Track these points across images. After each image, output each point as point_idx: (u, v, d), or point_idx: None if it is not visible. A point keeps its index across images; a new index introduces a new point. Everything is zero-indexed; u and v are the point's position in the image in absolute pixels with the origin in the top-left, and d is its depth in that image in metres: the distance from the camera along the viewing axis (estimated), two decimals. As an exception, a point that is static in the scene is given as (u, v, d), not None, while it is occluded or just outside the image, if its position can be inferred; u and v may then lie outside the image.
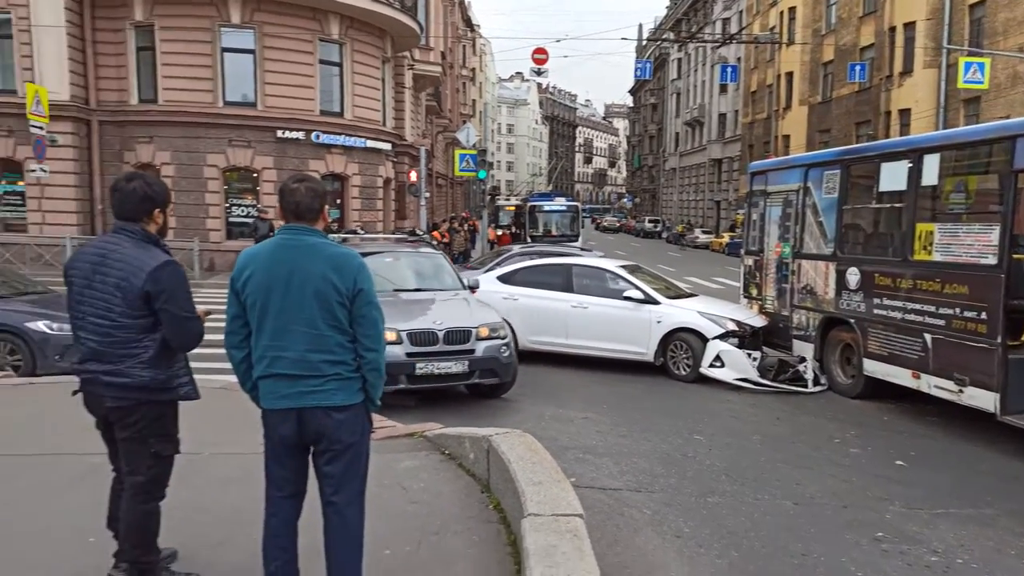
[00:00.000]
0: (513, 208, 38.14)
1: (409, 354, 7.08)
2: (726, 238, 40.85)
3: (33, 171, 18.34)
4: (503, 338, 7.59)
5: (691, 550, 4.31)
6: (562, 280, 10.03)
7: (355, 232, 16.18)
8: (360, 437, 2.90)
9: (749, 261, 11.11)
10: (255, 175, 20.92)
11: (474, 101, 62.33)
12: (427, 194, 24.59)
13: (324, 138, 21.18)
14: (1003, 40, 24.80)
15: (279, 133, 20.60)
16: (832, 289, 8.87)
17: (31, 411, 6.03)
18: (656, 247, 46.05)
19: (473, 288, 8.98)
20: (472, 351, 7.32)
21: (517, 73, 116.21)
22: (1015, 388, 6.43)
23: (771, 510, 5.01)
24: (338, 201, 22.44)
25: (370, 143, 22.57)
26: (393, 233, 18.37)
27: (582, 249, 15.07)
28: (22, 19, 19.22)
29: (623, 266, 10.40)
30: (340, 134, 21.58)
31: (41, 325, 7.93)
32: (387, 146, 23.91)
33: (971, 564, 4.28)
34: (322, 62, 21.30)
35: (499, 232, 30.47)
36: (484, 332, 7.43)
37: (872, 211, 8.83)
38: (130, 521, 3.05)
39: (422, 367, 7.10)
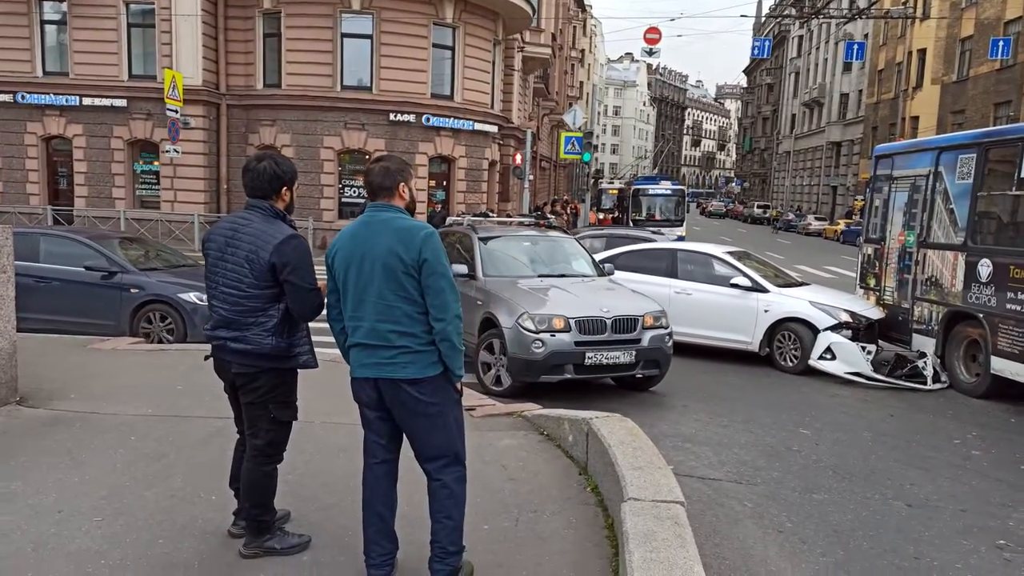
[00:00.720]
0: (616, 191, 37.66)
1: (578, 343, 6.77)
2: (841, 225, 38.84)
3: (168, 151, 19.72)
4: (665, 327, 7.23)
5: (793, 545, 4.19)
6: (666, 265, 9.85)
7: (486, 215, 16.36)
8: (440, 407, 2.96)
9: (868, 250, 10.54)
10: (367, 157, 21.60)
11: (582, 83, 61.73)
12: (531, 177, 24.67)
13: (434, 121, 21.62)
14: None
15: (391, 116, 21.19)
16: (960, 281, 8.29)
17: (170, 375, 6.54)
18: (764, 233, 44.37)
19: (609, 275, 8.61)
20: (639, 340, 6.99)
21: (627, 54, 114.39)
22: None
23: (881, 510, 4.78)
24: (444, 183, 22.90)
25: (478, 126, 22.84)
26: (509, 217, 18.44)
27: (654, 233, 14.44)
28: (164, 8, 20.59)
29: (730, 252, 10.08)
30: (449, 117, 21.96)
31: (192, 296, 8.42)
32: (494, 128, 24.13)
33: (1110, 584, 3.95)
34: (435, 46, 21.70)
35: (600, 215, 30.12)
36: (649, 321, 7.10)
37: (1011, 199, 8.16)
38: (250, 481, 3.26)
39: (591, 357, 6.77)
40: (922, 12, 36.24)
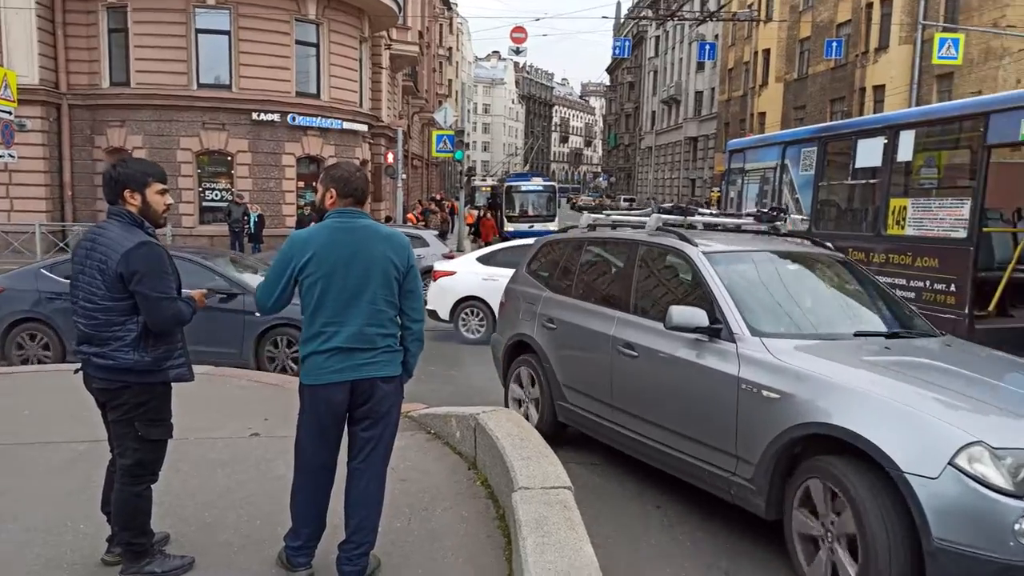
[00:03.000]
0: (489, 189, 38.05)
1: None
2: (703, 216, 41.05)
3: (0, 156, 18.01)
4: None
5: (670, 519, 4.43)
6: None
7: (632, 203, 15.42)
8: (397, 406, 3.21)
9: (727, 238, 11.23)
10: (229, 158, 20.69)
11: (450, 81, 61.86)
12: (403, 176, 24.47)
13: (300, 120, 20.98)
14: (977, 16, 25.07)
15: (254, 115, 20.37)
16: (808, 265, 9.01)
17: (16, 400, 6.01)
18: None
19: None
20: None
21: (494, 52, 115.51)
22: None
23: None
24: (314, 184, 22.25)
25: (347, 125, 22.38)
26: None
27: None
28: (-12, 1, 18.76)
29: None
30: (316, 116, 21.38)
31: None
32: (363, 127, 23.74)
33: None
34: (299, 43, 21.04)
35: (476, 212, 29.93)
36: None
37: (847, 187, 8.97)
38: (120, 503, 3.08)
39: None
40: (765, 15, 38.89)
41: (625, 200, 63.40)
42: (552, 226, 27.02)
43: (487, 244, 14.26)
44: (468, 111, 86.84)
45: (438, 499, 4.03)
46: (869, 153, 8.15)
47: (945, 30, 22.76)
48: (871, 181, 8.25)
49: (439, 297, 10.39)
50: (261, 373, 6.86)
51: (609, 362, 4.84)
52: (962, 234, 6.80)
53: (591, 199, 74.26)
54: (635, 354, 4.61)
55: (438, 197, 36.33)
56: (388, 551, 3.37)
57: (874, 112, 27.89)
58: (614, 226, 5.75)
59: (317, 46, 21.59)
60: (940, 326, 6.90)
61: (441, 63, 55.34)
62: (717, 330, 4.08)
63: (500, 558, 3.38)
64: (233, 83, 20.28)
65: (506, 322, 6.30)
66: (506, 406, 5.75)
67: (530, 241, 11.98)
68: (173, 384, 3.18)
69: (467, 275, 10.36)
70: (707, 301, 4.24)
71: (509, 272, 9.79)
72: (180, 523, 3.64)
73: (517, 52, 30.56)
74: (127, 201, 3.06)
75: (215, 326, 7.55)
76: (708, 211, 6.14)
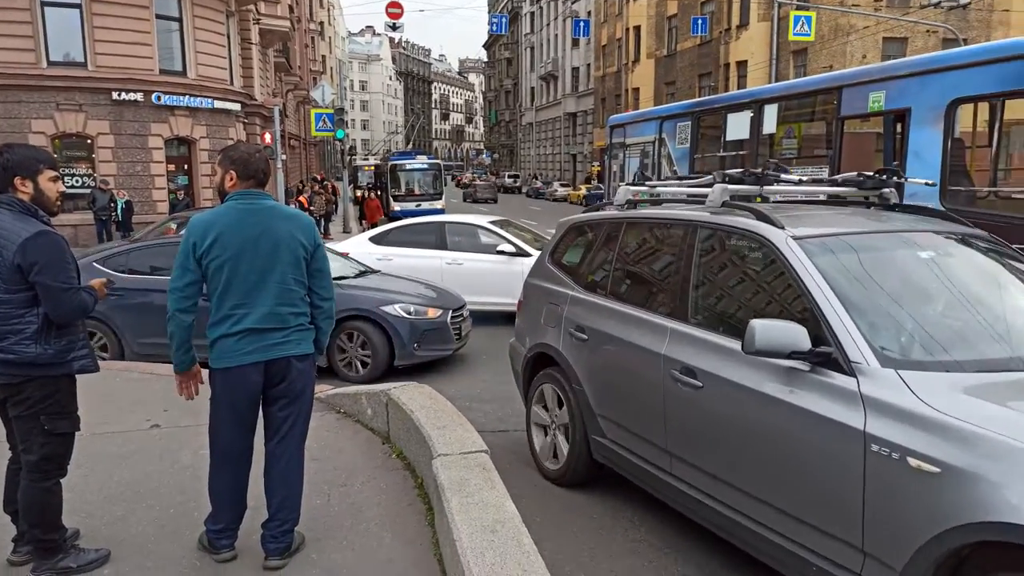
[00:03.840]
0: (372, 168, 37.43)
1: None
2: (583, 190, 42.20)
3: None
4: None
5: (579, 477, 4.70)
6: (436, 238, 10.16)
7: (516, 179, 14.82)
8: (311, 385, 3.26)
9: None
10: (89, 141, 19.30)
11: (324, 57, 59.98)
12: (283, 156, 23.67)
13: (166, 99, 19.82)
14: (824, -4, 26.92)
15: (115, 95, 19.06)
16: (687, 233, 9.57)
17: None
18: (518, 201, 46.85)
19: None
20: None
21: (368, 27, 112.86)
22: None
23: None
24: (186, 167, 21.21)
25: (218, 104, 21.36)
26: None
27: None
28: None
29: (493, 221, 10.65)
30: (184, 95, 20.27)
31: (398, 309, 7.18)
32: (236, 107, 22.73)
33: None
34: (159, 16, 19.79)
35: (367, 194, 28.96)
36: None
37: (720, 159, 9.57)
38: (28, 500, 2.98)
39: None
40: (635, -8, 40.16)
41: (510, 177, 64.01)
42: (439, 204, 27.03)
43: (373, 226, 14.05)
44: (345, 88, 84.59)
45: (355, 474, 4.10)
46: (738, 126, 8.74)
47: (799, 8, 24.32)
48: (740, 152, 8.85)
49: (331, 278, 10.29)
50: (154, 364, 6.57)
51: (660, 392, 3.50)
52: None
53: (476, 176, 74.50)
54: (698, 384, 3.26)
55: (319, 178, 35.35)
56: (311, 527, 3.43)
57: (739, 86, 29.51)
58: (660, 200, 4.35)
59: (180, 20, 20.39)
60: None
61: (313, 38, 53.53)
62: (824, 356, 2.73)
63: (423, 524, 3.51)
64: (88, 60, 18.86)
65: (525, 326, 4.98)
66: (527, 431, 4.87)
67: (418, 220, 12.14)
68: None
69: (360, 255, 10.28)
70: (806, 311, 2.90)
71: (403, 252, 9.90)
72: (88, 519, 3.54)
73: (394, 28, 30.07)
74: (18, 189, 2.92)
75: None
76: (794, 176, 4.51)
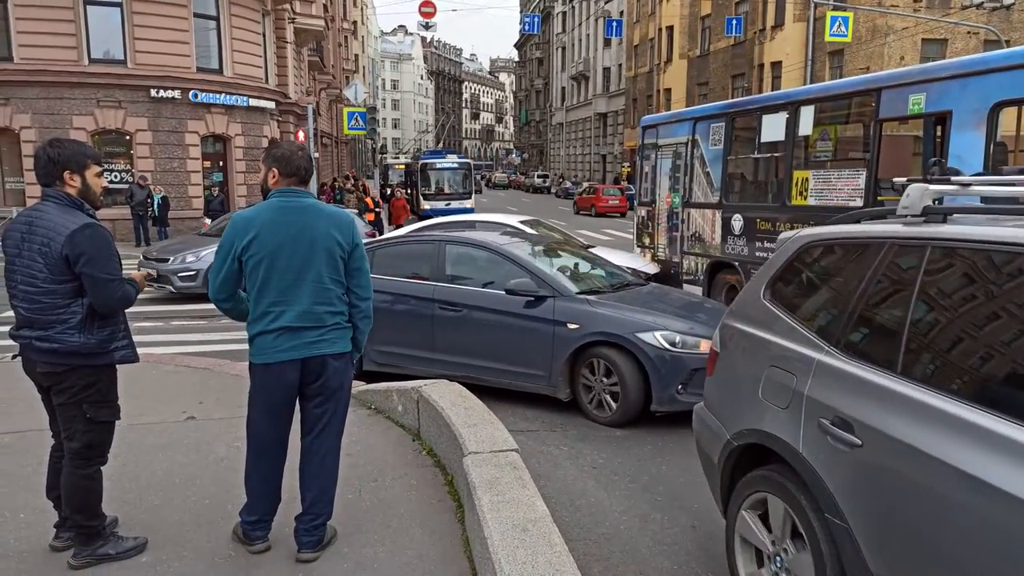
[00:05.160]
0: (403, 167, 37.66)
1: None
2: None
3: None
4: None
5: (607, 477, 4.69)
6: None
7: (545, 179, 14.37)
8: (348, 382, 3.29)
9: (642, 212, 11.65)
10: (128, 138, 19.71)
11: (357, 56, 60.42)
12: (315, 154, 23.94)
13: (203, 97, 20.17)
14: (862, -4, 26.50)
15: (153, 92, 19.45)
16: (718, 235, 9.50)
17: None
18: (546, 202, 46.77)
19: None
20: None
21: (400, 26, 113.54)
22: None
23: (675, 439, 5.45)
24: (221, 163, 21.53)
25: (253, 102, 21.67)
26: None
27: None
28: None
29: (522, 221, 10.65)
30: (220, 92, 20.60)
31: (658, 337, 5.54)
32: (271, 104, 23.03)
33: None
34: (197, 15, 20.13)
35: (398, 194, 27.61)
36: None
37: (754, 161, 9.46)
38: (71, 486, 3.05)
39: None
40: (668, -7, 39.90)
41: (539, 177, 63.96)
42: (469, 204, 27.11)
43: (398, 227, 14.00)
44: (377, 87, 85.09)
45: (386, 470, 4.14)
46: (773, 128, 8.62)
47: (836, 8, 23.97)
48: (775, 154, 8.74)
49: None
50: (190, 357, 6.69)
51: None
52: (859, 203, 7.33)
53: (505, 176, 74.56)
54: None
55: (351, 175, 35.67)
56: (342, 521, 3.46)
57: (773, 87, 29.17)
58: (983, 210, 2.62)
59: (217, 19, 20.73)
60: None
61: (347, 37, 53.95)
62: None
63: (453, 520, 3.53)
64: (128, 58, 19.26)
65: (725, 395, 3.32)
66: (728, 552, 3.10)
67: (449, 219, 12.12)
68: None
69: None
70: None
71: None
72: (126, 507, 3.61)
73: (427, 27, 30.25)
74: (66, 183, 3.00)
75: (516, 340, 5.94)
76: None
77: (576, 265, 6.91)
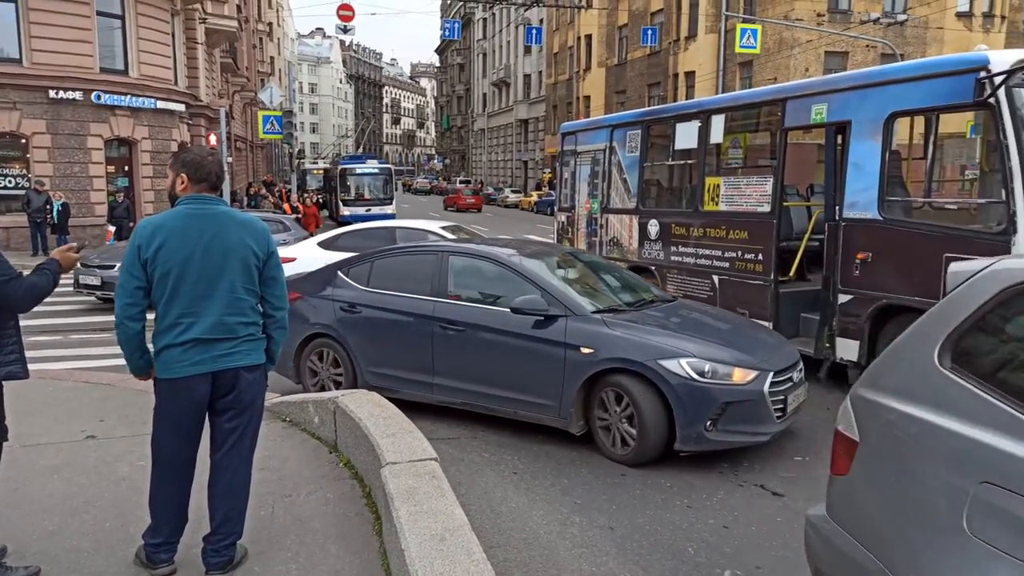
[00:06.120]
0: (322, 172, 36.98)
1: None
2: (534, 196, 42.36)
3: None
4: None
5: (527, 483, 4.71)
6: (387, 243, 10.07)
7: (468, 184, 14.08)
8: (262, 396, 3.17)
9: (562, 217, 11.77)
10: (24, 141, 18.60)
11: (272, 58, 59.01)
12: (228, 159, 23.19)
13: (107, 99, 19.23)
14: (771, 8, 27.65)
15: (52, 93, 18.41)
16: (635, 240, 9.69)
17: None
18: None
19: None
20: None
21: (318, 29, 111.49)
22: (785, 317, 7.50)
23: (592, 442, 5.51)
24: (127, 168, 20.59)
25: (161, 104, 20.81)
26: None
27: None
28: None
29: (443, 227, 10.62)
30: (125, 94, 19.69)
31: (683, 365, 4.77)
32: (180, 107, 22.18)
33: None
34: (100, 13, 19.18)
35: (303, 201, 24.40)
36: None
37: (668, 168, 9.71)
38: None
39: None
40: (586, 1, 40.57)
41: (461, 182, 63.96)
42: (390, 209, 26.82)
43: (311, 235, 13.50)
44: (294, 91, 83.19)
45: (301, 484, 4.02)
46: (686, 136, 8.86)
47: (745, 21, 24.91)
48: (689, 162, 8.99)
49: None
50: (90, 372, 6.33)
51: None
52: (767, 208, 7.62)
53: (427, 181, 74.22)
54: None
55: (267, 181, 34.74)
56: (254, 539, 3.34)
57: (687, 96, 30.06)
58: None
59: (122, 18, 19.81)
60: (750, 293, 7.75)
61: (261, 39, 52.62)
62: None
63: (370, 534, 3.45)
64: (24, 57, 18.18)
65: (883, 514, 2.26)
66: None
67: (370, 225, 11.96)
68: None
69: (309, 261, 10.12)
70: None
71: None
72: (18, 534, 3.38)
73: (345, 30, 29.72)
74: None
75: (523, 365, 5.31)
76: None
77: (594, 279, 6.23)
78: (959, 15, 27.59)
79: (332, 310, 6.19)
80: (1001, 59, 5.54)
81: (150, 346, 2.98)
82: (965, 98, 5.74)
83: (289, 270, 10.13)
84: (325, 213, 31.22)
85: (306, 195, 29.20)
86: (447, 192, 64.02)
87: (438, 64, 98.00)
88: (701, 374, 4.76)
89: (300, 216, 19.98)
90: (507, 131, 61.64)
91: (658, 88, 34.98)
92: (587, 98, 42.68)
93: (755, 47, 23.25)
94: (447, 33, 34.70)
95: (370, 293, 6.10)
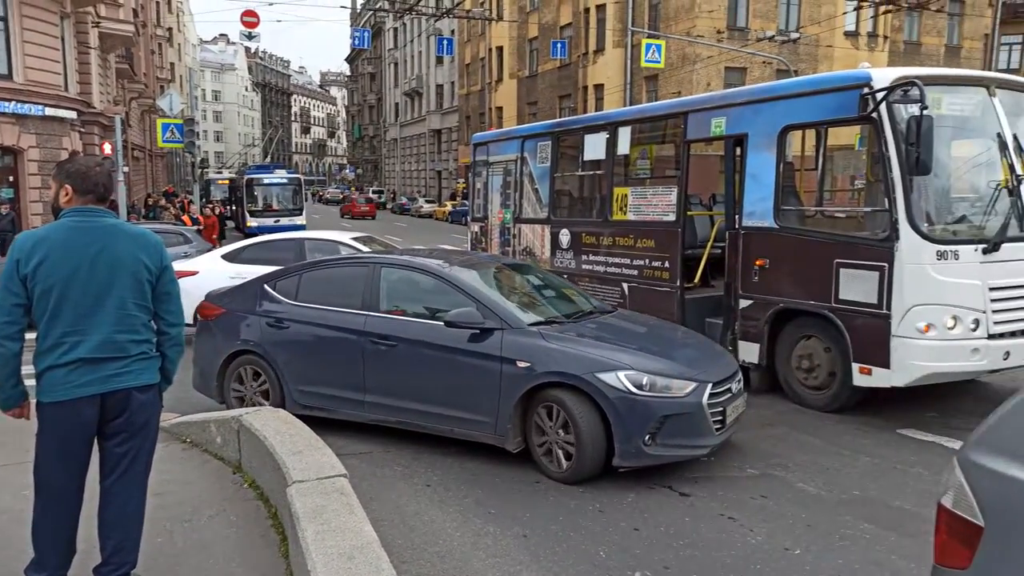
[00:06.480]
0: (227, 182, 35.82)
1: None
2: (449, 207, 42.29)
3: None
4: None
5: (440, 495, 4.66)
6: (295, 255, 9.82)
7: (380, 195, 13.30)
8: (156, 417, 3.04)
9: (475, 227, 11.79)
10: None
11: (173, 65, 56.77)
12: (125, 168, 22.11)
13: (-12, 104, 18.01)
14: (674, 24, 28.64)
15: (-76, 98, 17.11)
16: (548, 250, 9.81)
17: None
18: (382, 217, 46.30)
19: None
20: None
21: (222, 35, 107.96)
22: (690, 322, 7.73)
23: (503, 453, 5.48)
24: (12, 179, 19.31)
25: (49, 111, 19.60)
26: None
27: None
28: None
29: (355, 238, 10.44)
30: (10, 100, 18.45)
31: (621, 378, 4.66)
32: (72, 114, 20.97)
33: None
34: (-21, 14, 17.98)
35: (206, 212, 23.79)
36: None
37: (578, 178, 9.88)
38: None
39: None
40: (497, 14, 40.92)
41: (374, 192, 63.23)
42: (300, 220, 26.22)
43: (213, 248, 12.95)
44: (196, 98, 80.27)
45: (202, 508, 3.85)
46: (595, 147, 9.05)
47: (650, 37, 25.71)
48: (597, 172, 9.17)
49: (180, 300, 9.61)
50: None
51: None
52: (672, 218, 7.86)
53: (338, 191, 72.98)
54: None
55: (169, 191, 33.34)
56: (151, 568, 3.18)
57: (597, 108, 30.73)
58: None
59: (5, 20, 18.62)
60: (657, 299, 7.96)
61: (161, 44, 50.54)
62: None
63: (276, 555, 3.34)
64: None
65: None
66: None
67: (277, 236, 11.60)
68: None
69: (212, 274, 9.75)
70: None
71: (257, 270, 9.43)
72: None
73: (249, 37, 28.94)
74: None
75: (458, 380, 5.15)
76: None
77: (531, 291, 6.12)
78: (847, 34, 29.38)
79: (258, 326, 5.90)
80: (883, 76, 5.91)
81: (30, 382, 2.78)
82: (851, 112, 6.09)
83: (191, 284, 9.79)
84: (231, 224, 30.27)
85: (207, 206, 28.18)
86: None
87: (348, 73, 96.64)
88: (639, 387, 4.66)
89: (202, 228, 19.21)
90: (420, 141, 61.37)
91: (569, 100, 35.61)
92: (500, 109, 43.01)
93: (659, 62, 24.03)
94: (357, 42, 34.23)
95: (298, 307, 5.82)
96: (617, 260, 8.58)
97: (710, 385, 4.82)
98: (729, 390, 5.01)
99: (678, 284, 7.77)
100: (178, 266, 10.04)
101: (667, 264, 7.90)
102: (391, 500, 4.53)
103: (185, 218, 19.55)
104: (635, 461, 4.70)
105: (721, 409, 4.87)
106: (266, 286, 6.11)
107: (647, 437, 4.62)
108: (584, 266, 9.11)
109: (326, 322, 5.65)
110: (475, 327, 5.03)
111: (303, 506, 3.05)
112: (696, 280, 7.99)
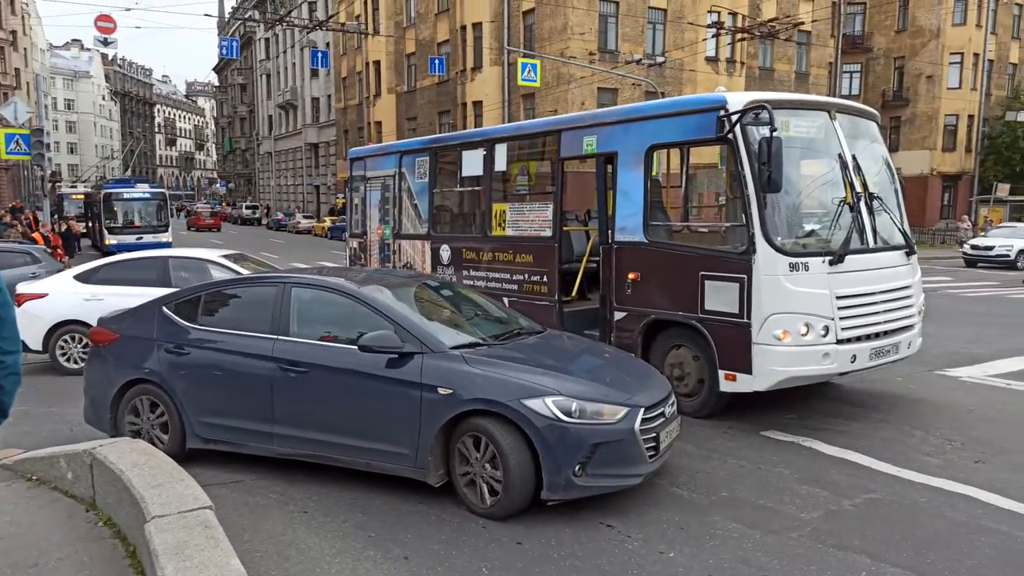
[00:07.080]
0: (83, 196, 33.43)
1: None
2: (328, 222, 41.32)
3: None
4: None
5: (318, 521, 4.50)
6: (158, 275, 9.25)
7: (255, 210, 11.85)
8: None
9: (354, 244, 11.57)
10: None
11: (18, 71, 52.43)
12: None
13: None
14: (549, 45, 29.40)
15: None
16: (428, 265, 9.77)
17: None
18: (257, 234, 44.62)
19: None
20: None
21: (75, 40, 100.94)
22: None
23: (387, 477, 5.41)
24: None
25: None
26: None
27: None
28: None
29: (225, 255, 9.97)
30: None
31: (548, 404, 4.36)
32: (-103, 121, 18.96)
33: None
34: None
35: (52, 228, 22.17)
36: None
37: (457, 194, 9.91)
38: None
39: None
40: (372, 28, 40.53)
41: (248, 208, 60.81)
42: (165, 237, 24.82)
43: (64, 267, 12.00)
44: (46, 107, 74.44)
45: (50, 551, 3.53)
46: (473, 163, 9.12)
47: (525, 56, 26.26)
48: (476, 188, 9.25)
49: (27, 325, 8.79)
50: None
51: None
52: (548, 233, 8.02)
53: (209, 207, 69.79)
54: None
55: (16, 207, 30.67)
56: (-12, 623, 2.88)
57: (476, 124, 31.03)
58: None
59: None
60: (538, 313, 8.09)
61: (3, 48, 46.61)
62: None
63: (135, 598, 3.11)
64: None
65: None
66: None
67: (137, 255, 10.83)
68: None
69: (63, 296, 9.04)
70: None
71: (115, 291, 8.84)
72: None
73: (106, 43, 27.15)
74: None
75: (374, 409, 4.80)
76: None
77: (455, 312, 5.79)
78: (707, 59, 31.21)
79: (155, 352, 5.43)
80: (737, 100, 6.31)
81: None
82: (709, 133, 6.46)
83: (40, 307, 9.04)
84: (88, 242, 28.26)
85: (56, 223, 26.13)
86: (232, 219, 61.10)
87: (217, 83, 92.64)
88: (568, 414, 4.38)
89: (55, 247, 17.75)
90: (296, 155, 59.66)
91: (448, 116, 35.73)
92: (379, 123, 42.54)
93: (535, 80, 24.61)
94: (225, 52, 32.76)
95: (200, 331, 5.39)
96: (497, 275, 8.66)
97: (642, 410, 4.58)
98: (662, 414, 4.77)
99: (556, 298, 7.93)
100: (25, 288, 9.32)
101: (545, 278, 8.06)
102: (265, 529, 4.33)
103: (36, 235, 18.01)
104: (564, 494, 4.44)
105: (655, 435, 4.64)
106: (165, 308, 5.65)
107: (577, 467, 4.37)
108: (465, 281, 9.13)
109: (231, 347, 5.24)
110: (393, 351, 4.71)
111: (163, 542, 2.86)
112: (574, 293, 8.18)
